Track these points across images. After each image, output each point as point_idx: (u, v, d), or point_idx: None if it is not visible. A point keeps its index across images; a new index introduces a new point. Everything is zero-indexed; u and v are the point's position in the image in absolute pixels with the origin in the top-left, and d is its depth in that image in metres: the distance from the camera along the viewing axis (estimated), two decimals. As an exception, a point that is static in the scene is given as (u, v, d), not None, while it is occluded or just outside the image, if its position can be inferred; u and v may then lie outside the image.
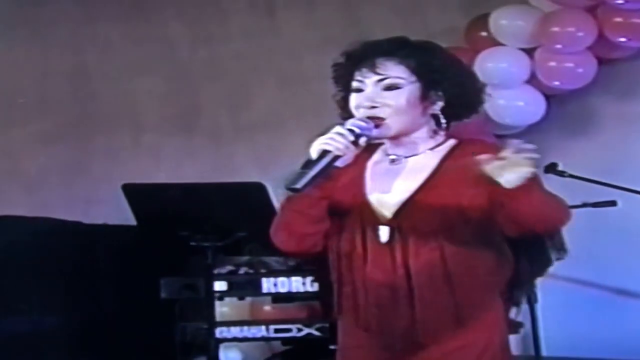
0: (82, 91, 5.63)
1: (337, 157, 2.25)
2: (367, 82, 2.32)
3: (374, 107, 2.29)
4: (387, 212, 2.30)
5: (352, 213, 2.31)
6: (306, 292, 3.76)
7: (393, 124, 2.30)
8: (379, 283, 2.27)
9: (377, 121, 2.29)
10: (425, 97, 2.30)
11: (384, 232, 2.29)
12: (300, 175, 2.26)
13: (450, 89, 2.31)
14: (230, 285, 3.81)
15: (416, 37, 5.59)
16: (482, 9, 4.76)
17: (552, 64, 4.49)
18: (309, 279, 3.74)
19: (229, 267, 3.95)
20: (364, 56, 2.33)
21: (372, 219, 2.29)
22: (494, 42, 4.62)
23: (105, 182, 5.08)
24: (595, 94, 4.73)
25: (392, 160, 2.35)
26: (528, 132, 4.77)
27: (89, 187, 5.44)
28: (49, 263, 4.20)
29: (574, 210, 2.38)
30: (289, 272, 3.85)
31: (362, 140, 2.26)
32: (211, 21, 5.52)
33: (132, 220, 3.74)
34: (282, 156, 5.25)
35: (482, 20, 4.69)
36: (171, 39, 5.55)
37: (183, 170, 5.31)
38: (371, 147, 2.35)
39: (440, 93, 2.31)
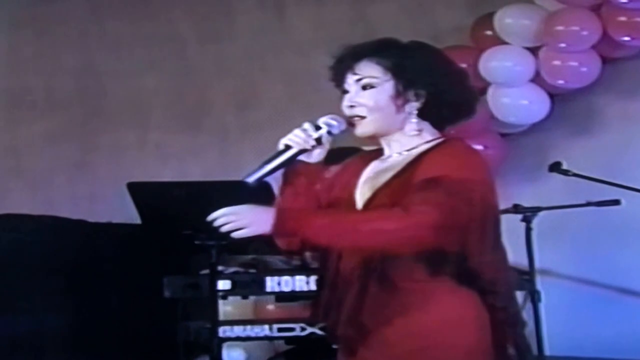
0: (89, 89, 5.65)
1: (299, 153, 2.33)
2: (350, 83, 2.40)
3: (352, 106, 2.38)
4: (361, 205, 2.37)
5: (338, 208, 2.37)
6: (310, 291, 3.73)
7: (369, 122, 2.36)
8: (345, 273, 2.32)
9: (354, 120, 2.36)
10: (398, 96, 2.35)
11: None
12: (257, 170, 2.33)
13: (429, 89, 2.35)
14: (233, 284, 3.78)
15: (424, 35, 5.58)
16: (489, 8, 4.77)
17: (557, 62, 4.49)
18: (312, 278, 3.70)
19: (234, 269, 3.94)
20: (348, 59, 2.41)
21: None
22: (499, 41, 4.64)
23: (111, 180, 5.10)
24: (599, 92, 4.72)
25: (382, 160, 2.41)
26: (532, 131, 4.78)
27: (94, 185, 5.46)
28: (54, 261, 4.20)
29: (577, 210, 2.34)
30: (292, 271, 3.83)
31: (325, 137, 2.34)
32: (219, 19, 5.55)
33: (136, 219, 3.75)
34: None
35: (487, 19, 4.70)
36: (179, 37, 5.58)
37: (189, 168, 5.32)
38: (375, 154, 2.42)
39: (418, 92, 2.35)
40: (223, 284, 3.75)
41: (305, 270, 3.86)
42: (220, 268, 3.77)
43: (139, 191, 3.68)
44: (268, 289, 3.80)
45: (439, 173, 2.24)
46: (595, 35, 4.38)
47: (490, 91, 4.67)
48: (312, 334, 3.77)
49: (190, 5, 5.56)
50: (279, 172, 2.39)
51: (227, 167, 5.28)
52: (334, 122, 2.38)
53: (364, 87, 2.37)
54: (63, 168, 5.56)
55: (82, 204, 5.25)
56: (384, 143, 2.41)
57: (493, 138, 4.74)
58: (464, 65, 4.67)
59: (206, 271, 3.67)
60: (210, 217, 2.32)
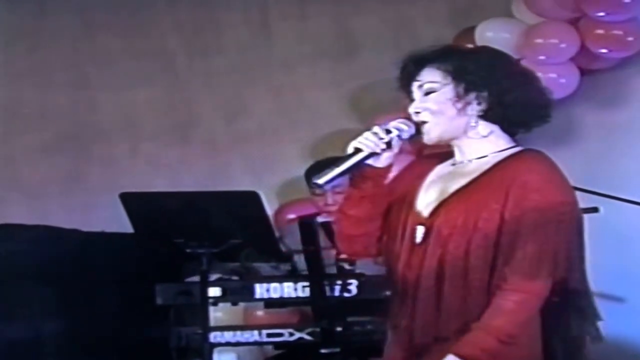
0: (82, 102, 5.63)
1: (369, 156, 2.30)
2: (414, 91, 2.38)
3: (417, 112, 2.36)
4: (426, 212, 2.34)
5: (400, 213, 2.35)
6: (298, 298, 3.72)
7: (433, 127, 2.34)
8: (409, 283, 2.31)
9: (421, 125, 2.35)
10: (459, 98, 2.32)
11: (419, 232, 2.32)
12: (327, 172, 2.29)
13: (491, 91, 2.31)
14: (224, 291, 3.76)
15: (405, 49, 5.60)
16: (470, 22, 4.78)
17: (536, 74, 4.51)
18: (300, 285, 3.70)
19: (217, 275, 3.94)
20: (411, 67, 2.40)
21: (413, 219, 2.33)
22: None
23: (104, 191, 5.05)
24: (577, 103, 4.72)
25: (453, 164, 2.39)
26: (512, 141, 4.77)
27: (87, 195, 5.44)
28: (47, 270, 4.18)
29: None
30: (281, 278, 3.81)
31: (395, 141, 2.31)
32: (207, 34, 5.53)
33: (129, 228, 3.73)
34: (276, 165, 5.39)
35: (468, 33, 4.71)
36: (169, 52, 5.56)
37: (180, 178, 5.32)
38: (446, 154, 2.40)
39: (480, 95, 2.31)
40: (214, 291, 3.74)
41: (293, 277, 3.85)
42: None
43: (131, 201, 3.65)
44: (257, 296, 3.78)
45: (554, 198, 2.22)
46: (573, 47, 4.41)
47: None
48: (300, 339, 3.76)
49: (179, 20, 5.56)
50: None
51: (217, 177, 5.27)
52: (404, 127, 2.35)
53: (427, 93, 2.35)
54: (57, 179, 5.54)
55: (75, 213, 5.23)
56: (455, 148, 2.38)
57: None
58: None
59: (196, 278, 3.66)
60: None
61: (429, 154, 2.49)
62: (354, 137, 5.71)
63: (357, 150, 2.32)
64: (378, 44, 5.30)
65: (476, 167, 2.34)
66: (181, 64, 5.55)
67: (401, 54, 5.19)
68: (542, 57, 4.46)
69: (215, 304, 3.77)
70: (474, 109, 2.33)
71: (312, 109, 5.36)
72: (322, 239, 3.71)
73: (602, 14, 4.30)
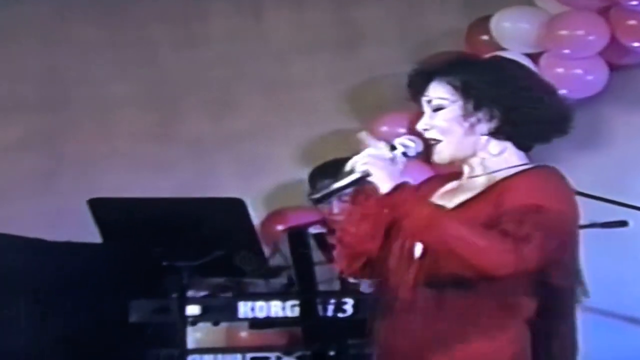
0: (53, 96, 5.59)
1: (367, 175, 2.34)
2: (424, 105, 2.44)
3: (426, 129, 2.42)
4: None
5: (399, 231, 2.40)
6: (286, 318, 3.67)
7: (443, 147, 2.41)
8: (402, 301, 2.37)
9: (431, 143, 2.41)
10: (468, 116, 2.38)
11: (418, 247, 2.38)
12: (324, 186, 2.36)
13: (503, 107, 2.37)
14: (203, 309, 3.71)
15: (413, 41, 5.56)
16: (485, 11, 4.74)
17: (560, 70, 4.45)
18: (289, 304, 3.65)
19: (204, 292, 3.90)
20: (420, 80, 2.44)
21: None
22: (496, 47, 4.62)
23: (76, 195, 4.85)
24: (606, 103, 4.69)
25: (461, 179, 2.46)
26: (533, 145, 4.72)
27: (57, 200, 5.38)
28: (6, 284, 4.10)
29: (581, 231, 2.37)
30: (267, 296, 3.78)
31: (400, 159, 2.36)
32: (193, 23, 5.50)
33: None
34: (268, 168, 5.30)
35: (483, 23, 4.69)
36: (150, 42, 5.51)
37: (160, 182, 5.26)
38: (454, 175, 2.47)
39: (491, 111, 2.37)
40: (192, 309, 3.69)
41: (281, 295, 3.81)
42: (190, 293, 3.73)
43: (101, 208, 3.64)
44: (241, 315, 3.74)
45: (535, 201, 2.27)
46: (602, 40, 4.36)
47: None
48: (289, 364, 3.76)
49: (162, 7, 5.52)
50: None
51: (203, 180, 5.24)
52: (410, 144, 2.40)
53: (436, 109, 2.41)
54: (23, 181, 5.48)
55: (45, 220, 5.17)
56: (464, 166, 2.45)
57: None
58: None
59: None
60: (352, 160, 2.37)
61: (442, 174, 2.53)
62: (354, 139, 5.70)
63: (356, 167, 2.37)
64: (382, 35, 5.28)
65: (482, 183, 2.41)
66: (164, 55, 5.50)
67: (408, 46, 5.25)
68: (566, 51, 4.48)
69: (194, 323, 3.73)
70: (484, 127, 2.39)
71: (308, 106, 5.33)
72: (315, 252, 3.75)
73: (635, 2, 4.24)
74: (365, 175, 2.33)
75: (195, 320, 3.70)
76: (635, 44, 4.33)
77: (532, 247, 2.23)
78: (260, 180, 5.25)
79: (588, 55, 4.40)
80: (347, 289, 3.70)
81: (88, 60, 5.51)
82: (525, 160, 2.42)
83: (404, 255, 2.39)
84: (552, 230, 2.26)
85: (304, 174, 5.06)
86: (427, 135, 2.40)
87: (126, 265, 3.78)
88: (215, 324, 3.84)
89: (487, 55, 2.55)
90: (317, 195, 2.35)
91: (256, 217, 4.39)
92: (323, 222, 4.21)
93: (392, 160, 2.36)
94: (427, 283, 2.34)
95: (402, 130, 4.81)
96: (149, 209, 3.59)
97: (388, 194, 2.34)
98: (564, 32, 4.41)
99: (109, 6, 5.51)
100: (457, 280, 2.29)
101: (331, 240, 4.03)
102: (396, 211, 2.36)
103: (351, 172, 2.35)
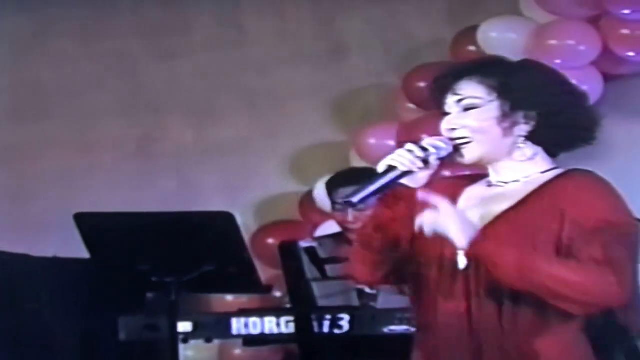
0: (31, 109, 5.56)
1: (403, 175, 2.33)
2: (450, 105, 2.38)
3: (453, 129, 2.37)
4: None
5: (434, 239, 2.34)
6: (281, 334, 3.66)
7: (475, 147, 2.36)
8: (449, 314, 2.33)
9: (457, 144, 2.37)
10: (505, 118, 2.35)
11: (461, 258, 2.33)
12: (359, 189, 2.33)
13: (540, 110, 2.35)
14: (195, 325, 3.70)
15: (397, 51, 5.55)
16: (471, 20, 4.77)
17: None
18: (283, 320, 3.64)
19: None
20: (448, 78, 2.39)
21: (452, 245, 2.33)
22: None
23: (57, 210, 4.99)
24: (601, 114, 4.67)
25: (488, 186, 2.42)
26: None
27: (38, 215, 5.37)
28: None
29: None
30: (261, 312, 3.76)
31: (433, 159, 2.34)
32: (173, 33, 5.50)
33: (85, 253, 3.69)
34: (253, 182, 5.30)
35: (470, 33, 4.70)
36: (129, 53, 5.52)
37: (143, 196, 5.25)
38: (475, 176, 2.44)
39: (528, 114, 2.35)
40: (183, 326, 3.68)
41: (275, 310, 3.81)
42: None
43: (87, 223, 3.62)
44: (234, 332, 3.72)
45: (605, 216, 2.26)
46: (594, 50, 4.37)
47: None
48: (284, 382, 3.78)
49: (140, 18, 5.53)
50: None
51: (185, 195, 5.23)
52: (441, 144, 2.35)
53: (466, 109, 2.35)
54: (2, 196, 5.45)
55: (25, 236, 5.11)
56: (490, 169, 2.40)
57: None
58: None
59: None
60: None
61: (455, 176, 2.50)
62: (339, 150, 5.65)
63: (391, 168, 2.34)
64: (366, 45, 5.30)
65: (520, 188, 2.36)
66: (144, 67, 5.52)
67: (392, 57, 5.25)
68: (557, 61, 4.42)
69: (185, 340, 3.71)
70: (521, 129, 2.36)
71: (292, 118, 5.35)
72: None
73: (627, 11, 4.26)
74: (399, 175, 2.32)
75: (187, 337, 3.69)
76: (630, 54, 4.34)
77: (627, 271, 2.23)
78: (246, 194, 5.25)
79: (580, 65, 4.39)
80: (365, 305, 3.72)
81: (64, 72, 5.50)
82: (553, 165, 2.41)
83: (445, 266, 2.35)
84: (632, 246, 2.27)
85: (291, 186, 5.23)
86: (455, 135, 2.35)
87: (114, 280, 3.77)
88: (208, 341, 3.82)
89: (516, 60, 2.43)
90: (355, 198, 2.30)
91: (245, 232, 4.44)
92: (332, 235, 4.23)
93: (425, 161, 2.33)
94: (485, 296, 2.29)
95: (390, 142, 4.88)
96: (137, 223, 3.59)
97: (414, 190, 2.33)
98: (553, 42, 4.41)
99: (87, 17, 5.51)
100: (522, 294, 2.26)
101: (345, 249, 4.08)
102: (422, 211, 2.34)
103: (384, 173, 2.33)
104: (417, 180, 2.35)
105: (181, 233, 3.51)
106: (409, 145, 2.34)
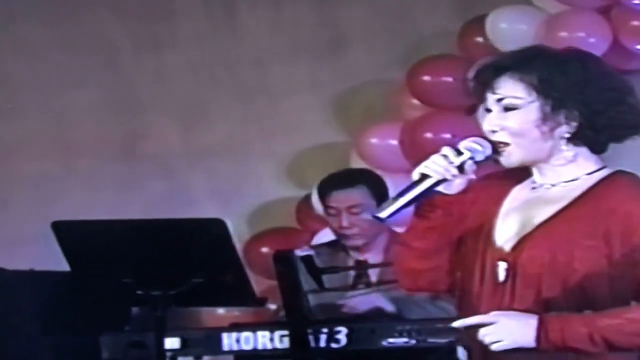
0: (1, 108, 5.57)
1: (436, 184, 2.38)
2: (491, 103, 2.42)
3: (493, 131, 2.41)
4: (507, 246, 2.41)
5: (477, 245, 2.43)
6: (275, 350, 3.74)
7: (514, 151, 2.40)
8: None
9: (499, 146, 2.40)
10: (545, 119, 2.38)
11: (501, 269, 2.39)
12: (390, 202, 2.38)
13: (583, 110, 2.37)
14: (184, 342, 3.77)
15: (402, 43, 5.53)
16: (479, 10, 4.84)
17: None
18: (277, 334, 3.71)
19: None
20: (488, 73, 2.42)
21: (493, 253, 2.41)
22: (491, 49, 4.65)
23: (32, 219, 5.03)
24: None
25: (533, 189, 2.45)
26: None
27: (11, 224, 5.38)
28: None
29: None
30: (254, 326, 3.83)
31: (469, 165, 2.39)
32: (159, 23, 5.50)
33: (65, 266, 3.75)
34: (246, 186, 5.38)
35: (477, 24, 4.78)
36: (110, 45, 5.53)
37: (127, 203, 5.30)
38: (521, 174, 2.46)
39: (570, 114, 2.38)
40: (171, 343, 3.74)
41: (269, 324, 3.88)
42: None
43: (66, 232, 3.67)
44: (225, 348, 3.80)
45: None
46: (604, 42, 4.44)
47: (482, 109, 4.73)
48: (278, 403, 3.82)
49: (123, 7, 5.54)
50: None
51: (173, 201, 5.28)
52: (478, 147, 2.40)
53: (507, 109, 2.40)
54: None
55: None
56: (534, 169, 2.44)
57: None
58: (449, 79, 4.87)
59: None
60: (456, 324, 2.41)
61: (500, 172, 2.52)
62: (340, 151, 5.63)
63: (424, 177, 2.39)
64: (369, 37, 5.34)
65: (563, 194, 2.41)
66: (126, 60, 5.54)
67: (396, 50, 5.23)
68: None
69: (173, 358, 3.78)
70: (563, 130, 2.39)
71: (289, 117, 5.40)
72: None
73: (638, 1, 4.36)
74: (433, 184, 2.36)
75: (175, 354, 3.75)
76: (639, 47, 4.44)
77: None
78: (240, 199, 5.28)
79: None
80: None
81: (39, 66, 5.50)
82: (599, 165, 2.43)
83: (485, 277, 2.40)
84: None
85: (287, 191, 5.27)
86: (495, 137, 2.39)
87: (96, 295, 3.80)
88: (198, 358, 3.87)
89: (562, 48, 2.45)
90: (384, 213, 2.36)
91: (238, 240, 4.46)
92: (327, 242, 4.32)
93: (460, 166, 2.37)
94: (527, 311, 2.34)
95: (393, 141, 4.97)
96: (120, 231, 3.61)
97: (456, 202, 2.40)
98: (563, 34, 4.48)
99: (63, 5, 5.50)
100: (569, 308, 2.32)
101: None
102: (465, 215, 2.43)
103: (417, 182, 2.38)
104: (454, 186, 2.40)
105: (168, 242, 3.55)
106: (445, 149, 2.38)
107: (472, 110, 4.80)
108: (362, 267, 4.16)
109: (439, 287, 2.51)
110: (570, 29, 4.51)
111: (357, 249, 4.22)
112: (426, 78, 4.92)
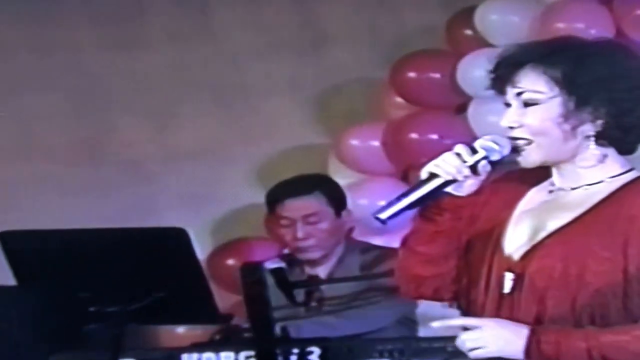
0: None
1: (445, 184, 2.35)
2: (510, 96, 2.38)
3: (512, 127, 2.36)
4: (517, 254, 2.37)
5: (485, 250, 2.40)
6: None
7: (534, 150, 2.35)
8: None
9: (518, 144, 2.35)
10: (569, 116, 2.32)
11: (508, 280, 2.35)
12: (392, 202, 2.34)
13: (610, 107, 2.31)
14: None
15: (387, 38, 5.55)
16: (466, 2, 4.81)
17: None
18: (243, 355, 3.63)
19: None
20: (508, 65, 2.37)
21: (500, 262, 2.37)
22: (482, 43, 4.69)
23: None
24: None
25: (550, 192, 2.40)
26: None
27: None
28: None
29: None
30: (217, 346, 3.75)
31: (482, 165, 2.34)
32: (128, 21, 5.48)
33: (12, 279, 3.64)
34: (222, 192, 5.31)
35: (466, 16, 4.76)
36: (76, 43, 5.49)
37: (94, 210, 5.23)
38: (539, 175, 2.42)
39: (596, 111, 2.32)
40: None
41: (233, 344, 3.77)
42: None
43: (14, 242, 3.56)
44: None
45: None
46: (606, 33, 4.34)
47: (472, 107, 4.66)
48: None
49: (90, 4, 5.52)
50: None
51: (143, 209, 5.26)
52: (494, 146, 2.34)
53: (527, 104, 2.34)
54: None
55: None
56: (554, 170, 2.39)
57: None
58: (436, 75, 4.86)
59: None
60: (435, 324, 2.39)
61: (516, 172, 2.45)
62: (318, 154, 5.65)
63: (433, 176, 2.34)
64: (350, 34, 5.32)
65: (583, 199, 2.35)
66: (93, 59, 5.50)
67: (379, 47, 5.25)
68: None
69: None
70: (587, 129, 2.34)
71: (266, 118, 5.36)
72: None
73: None
74: (442, 184, 2.33)
75: None
76: None
77: None
78: (213, 207, 5.26)
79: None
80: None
81: (2, 65, 5.45)
82: (626, 167, 2.37)
83: (490, 287, 2.36)
84: None
85: (260, 198, 5.09)
86: (514, 134, 2.34)
87: (46, 311, 3.79)
88: None
89: (593, 39, 2.41)
90: (385, 214, 2.31)
91: (203, 250, 4.43)
92: (282, 255, 4.20)
93: (473, 166, 2.33)
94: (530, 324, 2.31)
95: (375, 143, 4.91)
96: (73, 243, 3.53)
97: (466, 205, 2.37)
98: (560, 25, 4.43)
99: (28, 3, 5.46)
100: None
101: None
102: (475, 218, 2.39)
103: (425, 181, 2.34)
104: (465, 187, 2.35)
105: (126, 253, 3.48)
106: (458, 147, 2.33)
107: (461, 109, 4.79)
108: (333, 280, 4.02)
109: (443, 295, 2.46)
110: (568, 20, 4.49)
111: (313, 262, 4.07)
112: (411, 75, 4.90)
